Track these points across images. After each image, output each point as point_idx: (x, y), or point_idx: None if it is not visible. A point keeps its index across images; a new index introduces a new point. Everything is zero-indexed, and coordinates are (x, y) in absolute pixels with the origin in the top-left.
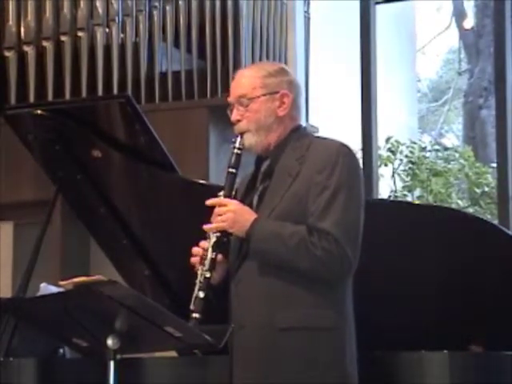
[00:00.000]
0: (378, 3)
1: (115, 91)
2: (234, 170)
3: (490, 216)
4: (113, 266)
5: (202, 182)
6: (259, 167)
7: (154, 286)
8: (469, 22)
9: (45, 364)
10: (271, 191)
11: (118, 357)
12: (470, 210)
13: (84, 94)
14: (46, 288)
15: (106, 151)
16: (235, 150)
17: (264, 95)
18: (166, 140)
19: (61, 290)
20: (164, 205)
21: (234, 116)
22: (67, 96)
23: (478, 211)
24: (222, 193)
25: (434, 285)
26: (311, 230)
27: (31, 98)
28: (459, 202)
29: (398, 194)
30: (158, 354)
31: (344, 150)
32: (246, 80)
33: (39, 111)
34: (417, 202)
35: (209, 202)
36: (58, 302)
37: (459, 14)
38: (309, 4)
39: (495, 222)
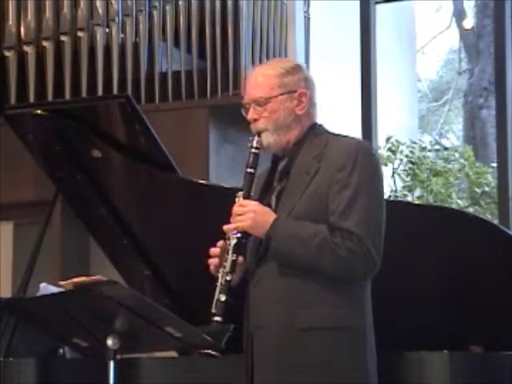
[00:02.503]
0: (377, 3)
1: (115, 91)
2: (252, 170)
3: (490, 216)
4: (113, 266)
5: (202, 181)
6: (276, 166)
7: (154, 286)
8: (469, 22)
9: (45, 364)
10: (289, 190)
11: (118, 357)
12: (470, 210)
13: (84, 94)
14: (46, 288)
15: (106, 151)
16: (253, 150)
17: (282, 94)
18: (165, 140)
19: (61, 289)
20: (164, 205)
21: (251, 115)
22: (67, 96)
23: (478, 211)
24: (240, 193)
25: (433, 285)
26: (333, 230)
27: (31, 98)
28: (459, 201)
29: (398, 194)
30: (158, 354)
31: (364, 147)
32: (263, 79)
33: (39, 111)
34: (417, 201)
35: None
36: (58, 302)
37: (459, 14)
38: (309, 4)
39: (495, 221)
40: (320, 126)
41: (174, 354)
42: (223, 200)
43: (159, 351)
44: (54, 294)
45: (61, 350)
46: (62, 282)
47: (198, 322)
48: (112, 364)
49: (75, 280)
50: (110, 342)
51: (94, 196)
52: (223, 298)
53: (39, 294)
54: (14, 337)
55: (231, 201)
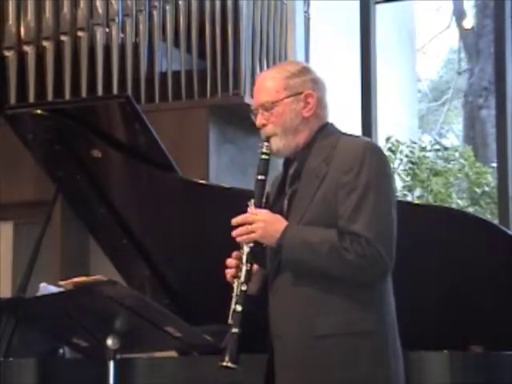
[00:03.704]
0: (377, 3)
1: (115, 91)
2: (262, 177)
3: (490, 216)
4: (113, 266)
5: (201, 181)
6: (287, 170)
7: (154, 286)
8: (469, 22)
9: (45, 364)
10: (300, 194)
11: (118, 357)
12: (470, 210)
13: (84, 94)
14: (46, 288)
15: (105, 151)
16: (262, 156)
17: (288, 97)
18: (165, 140)
19: (61, 289)
20: (164, 205)
21: (259, 121)
22: (67, 96)
23: (478, 211)
24: (252, 201)
25: (433, 284)
26: (342, 234)
27: (31, 98)
28: (459, 201)
29: (398, 194)
30: (158, 354)
31: (371, 147)
32: (269, 83)
33: (39, 111)
34: (417, 201)
35: (235, 220)
36: (58, 302)
37: (459, 14)
38: (309, 4)
39: (495, 221)
40: (331, 125)
41: (173, 353)
42: (223, 200)
43: (159, 351)
44: (53, 294)
45: (61, 350)
46: (61, 282)
47: (198, 322)
48: (112, 364)
49: (75, 280)
50: (109, 342)
51: (94, 196)
52: (239, 308)
53: (39, 294)
54: (13, 337)
55: (230, 201)
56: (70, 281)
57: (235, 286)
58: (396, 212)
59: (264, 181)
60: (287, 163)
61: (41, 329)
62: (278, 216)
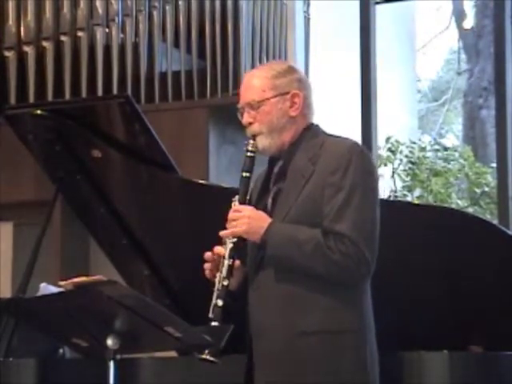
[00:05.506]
0: (377, 3)
1: (115, 91)
2: (247, 174)
3: (490, 216)
4: (113, 266)
5: (201, 182)
6: (272, 168)
7: (154, 286)
8: (468, 22)
9: (45, 364)
10: (285, 193)
11: (118, 357)
12: (470, 210)
13: (84, 94)
14: (46, 288)
15: (105, 151)
16: (248, 154)
17: (274, 97)
18: (165, 140)
19: (61, 290)
20: (164, 205)
21: (246, 119)
22: (67, 96)
23: (478, 211)
24: (236, 197)
25: (433, 285)
26: (327, 233)
27: (31, 98)
28: (459, 202)
29: (398, 194)
30: (158, 354)
31: (357, 149)
32: (255, 82)
33: (39, 111)
34: (417, 201)
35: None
36: (58, 302)
37: (459, 14)
38: (309, 4)
39: (495, 221)
40: (316, 126)
41: (173, 353)
42: (223, 200)
43: (159, 351)
44: (53, 294)
45: (61, 350)
46: (61, 282)
47: (198, 322)
48: (112, 364)
49: (75, 280)
50: (109, 342)
51: (94, 196)
52: (220, 303)
53: (39, 294)
54: (13, 337)
55: (231, 201)
56: (70, 281)
57: (217, 280)
58: (379, 212)
59: (249, 178)
60: (272, 161)
61: (41, 329)
62: (262, 213)
